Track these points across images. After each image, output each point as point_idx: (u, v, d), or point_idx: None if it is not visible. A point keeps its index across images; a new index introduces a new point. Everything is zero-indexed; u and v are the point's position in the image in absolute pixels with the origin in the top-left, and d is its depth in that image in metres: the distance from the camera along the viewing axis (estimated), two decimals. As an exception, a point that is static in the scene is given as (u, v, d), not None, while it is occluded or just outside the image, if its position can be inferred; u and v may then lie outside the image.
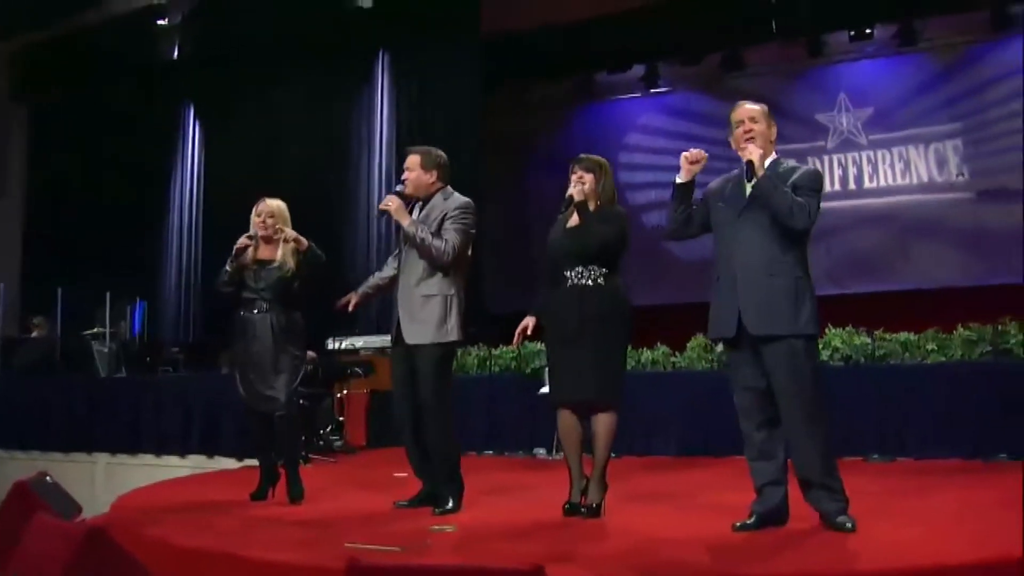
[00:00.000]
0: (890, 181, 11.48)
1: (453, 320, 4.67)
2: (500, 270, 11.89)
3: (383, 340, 9.36)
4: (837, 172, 11.83)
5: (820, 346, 6.84)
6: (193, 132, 12.42)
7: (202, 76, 11.92)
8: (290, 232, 5.19)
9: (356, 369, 7.89)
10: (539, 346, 7.96)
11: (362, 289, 5.06)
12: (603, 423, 4.50)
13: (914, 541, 3.71)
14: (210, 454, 7.54)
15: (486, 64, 10.74)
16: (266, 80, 11.48)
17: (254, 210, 5.31)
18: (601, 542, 3.90)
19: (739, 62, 11.93)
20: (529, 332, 4.76)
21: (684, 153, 4.17)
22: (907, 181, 11.40)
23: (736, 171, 4.23)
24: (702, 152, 4.15)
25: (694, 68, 12.31)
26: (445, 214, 4.73)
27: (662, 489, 5.49)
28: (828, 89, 11.79)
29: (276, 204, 5.32)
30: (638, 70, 12.56)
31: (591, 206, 4.60)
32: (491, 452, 7.74)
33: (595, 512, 4.42)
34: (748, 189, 4.07)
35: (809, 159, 12.01)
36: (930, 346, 6.62)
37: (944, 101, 11.16)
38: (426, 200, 4.83)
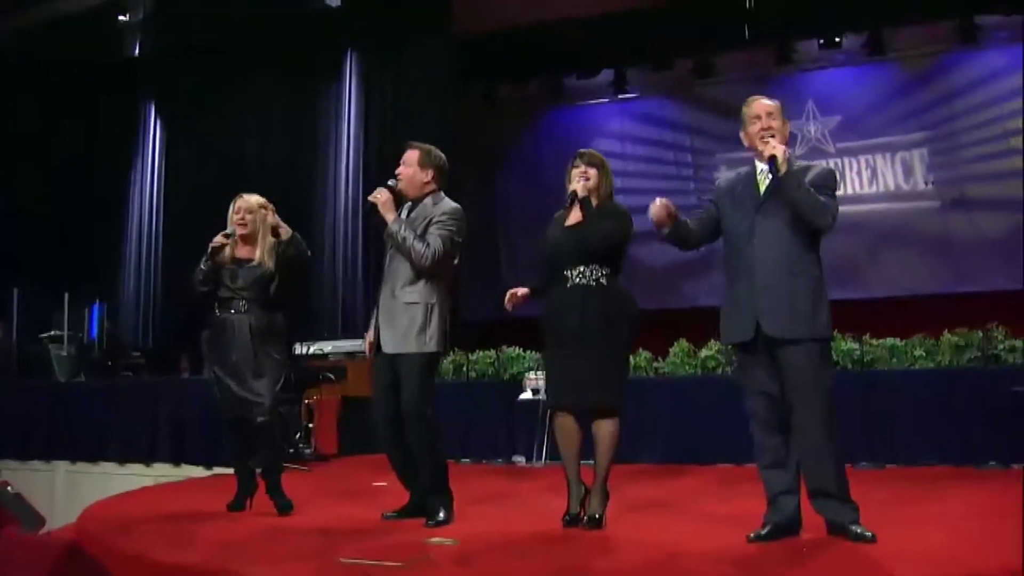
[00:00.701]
0: (858, 189, 11.43)
1: (433, 329, 4.40)
2: (468, 273, 11.64)
3: (352, 344, 9.09)
4: (805, 180, 11.74)
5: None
6: (154, 130, 12.03)
7: (164, 73, 11.57)
8: (272, 217, 4.88)
9: (329, 374, 7.57)
10: (517, 351, 7.76)
11: (374, 322, 4.59)
12: (606, 429, 4.27)
13: (939, 550, 3.55)
14: (177, 462, 7.19)
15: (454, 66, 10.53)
16: (231, 78, 11.16)
17: (232, 207, 5.02)
18: (612, 556, 3.67)
19: (708, 69, 11.82)
20: (519, 297, 4.43)
21: (652, 219, 3.86)
22: (874, 189, 11.36)
23: (746, 168, 4.02)
24: (660, 206, 3.84)
25: (663, 74, 12.17)
26: (431, 218, 4.47)
27: (656, 498, 5.28)
28: (796, 97, 11.68)
29: (255, 199, 5.04)
30: (607, 75, 12.40)
31: (593, 203, 4.36)
32: (468, 460, 7.48)
33: (597, 523, 4.19)
34: (763, 186, 3.87)
35: (777, 166, 11.95)
36: (918, 352, 6.50)
37: (911, 110, 11.14)
38: (416, 201, 4.58)
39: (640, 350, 7.51)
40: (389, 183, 4.53)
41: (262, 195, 5.08)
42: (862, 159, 11.45)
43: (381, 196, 4.47)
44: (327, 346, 9.00)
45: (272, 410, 4.85)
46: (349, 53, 10.79)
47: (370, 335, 4.58)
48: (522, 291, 4.45)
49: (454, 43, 10.49)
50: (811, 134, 11.65)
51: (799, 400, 3.73)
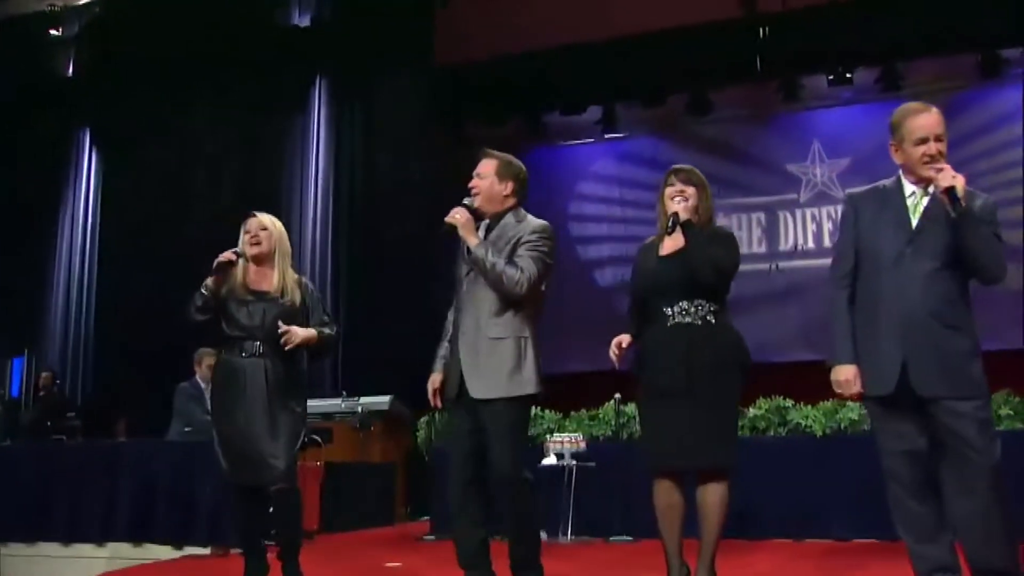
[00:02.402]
0: (869, 237, 11.26)
1: (529, 367, 3.92)
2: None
3: (329, 404, 8.60)
4: (811, 227, 11.63)
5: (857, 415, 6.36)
6: (89, 161, 11.50)
7: (102, 96, 11.09)
8: (296, 331, 4.35)
9: (315, 437, 6.98)
10: (535, 410, 7.27)
11: (439, 363, 4.11)
12: (716, 494, 3.87)
13: None
14: (138, 541, 6.48)
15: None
16: (180, 103, 10.74)
17: (242, 229, 4.56)
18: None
19: (705, 105, 11.56)
20: (624, 348, 3.99)
21: None
22: (888, 237, 11.20)
23: (888, 183, 3.69)
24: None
25: (654, 111, 11.88)
26: (519, 238, 4.02)
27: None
28: (801, 137, 11.59)
29: (269, 218, 4.59)
30: (594, 111, 12.10)
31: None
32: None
33: (706, 607, 3.75)
34: (915, 212, 3.53)
35: (780, 213, 11.79)
36: (1003, 411, 6.18)
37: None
38: (495, 219, 4.14)
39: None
40: (465, 202, 4.08)
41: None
42: (874, 205, 11.31)
43: (461, 217, 4.01)
44: (302, 406, 8.45)
45: (290, 474, 4.34)
46: (318, 79, 10.40)
47: (435, 380, 4.08)
48: (626, 339, 4.00)
49: (432, 74, 10.30)
50: (817, 177, 11.52)
51: (962, 464, 3.32)
